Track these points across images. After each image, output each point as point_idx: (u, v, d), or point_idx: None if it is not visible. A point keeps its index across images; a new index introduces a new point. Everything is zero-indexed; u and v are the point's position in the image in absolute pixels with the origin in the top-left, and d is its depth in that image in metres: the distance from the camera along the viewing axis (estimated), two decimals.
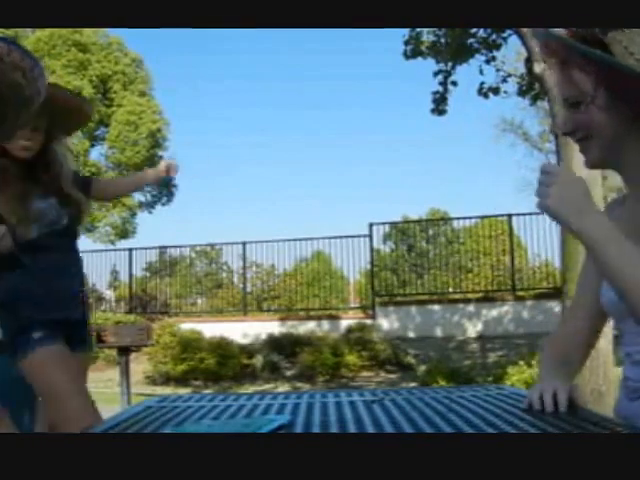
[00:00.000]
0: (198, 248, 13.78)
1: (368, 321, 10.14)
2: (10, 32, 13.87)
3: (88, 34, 14.85)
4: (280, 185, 38.98)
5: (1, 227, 1.83)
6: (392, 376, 8.26)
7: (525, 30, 5.02)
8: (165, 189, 15.96)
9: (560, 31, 1.07)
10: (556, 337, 1.28)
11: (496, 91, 8.04)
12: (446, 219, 15.02)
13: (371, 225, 11.14)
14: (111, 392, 7.62)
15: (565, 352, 1.21)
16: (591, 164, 1.13)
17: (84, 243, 18.86)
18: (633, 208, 1.11)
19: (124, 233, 15.10)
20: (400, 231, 13.67)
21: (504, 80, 8.14)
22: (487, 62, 7.90)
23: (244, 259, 12.12)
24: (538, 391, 1.09)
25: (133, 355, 6.96)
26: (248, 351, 9.27)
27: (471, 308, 10.62)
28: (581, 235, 0.96)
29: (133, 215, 15.54)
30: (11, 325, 1.97)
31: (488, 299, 10.76)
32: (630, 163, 1.09)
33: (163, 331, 9.61)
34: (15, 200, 1.97)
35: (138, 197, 15.78)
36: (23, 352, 1.91)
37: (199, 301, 14.10)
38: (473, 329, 10.43)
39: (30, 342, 1.90)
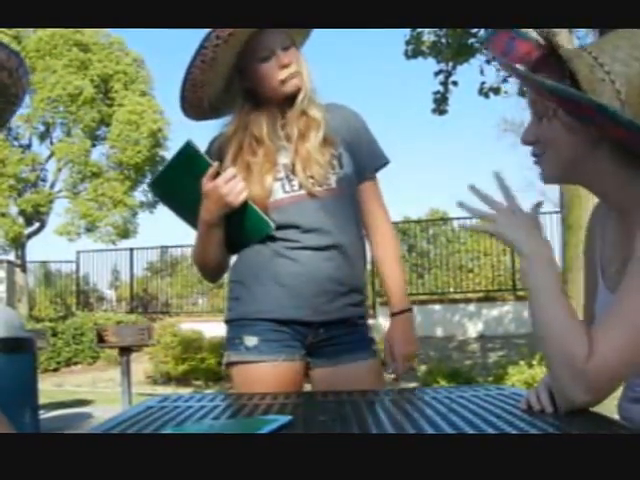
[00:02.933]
0: None
1: (369, 321, 10.12)
2: (12, 32, 13.89)
3: (89, 34, 14.86)
4: None
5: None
6: (393, 376, 8.25)
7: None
8: None
9: (530, 32, 1.06)
10: None
11: (497, 91, 8.05)
12: (446, 219, 15.01)
13: None
14: (112, 392, 7.62)
15: None
16: (545, 179, 1.10)
17: (85, 243, 18.89)
18: (616, 228, 1.09)
19: (125, 233, 15.10)
20: (401, 231, 13.66)
21: (505, 80, 8.15)
22: (488, 62, 7.91)
23: None
24: (535, 390, 1.08)
25: (134, 355, 6.95)
26: None
27: (472, 308, 10.62)
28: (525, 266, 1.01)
29: (134, 215, 15.55)
30: None
31: (489, 299, 10.76)
32: (601, 184, 1.06)
33: (164, 331, 9.61)
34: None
35: (139, 197, 15.81)
36: None
37: (200, 301, 14.11)
38: (474, 329, 10.43)
39: None
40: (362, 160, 1.62)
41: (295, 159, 1.54)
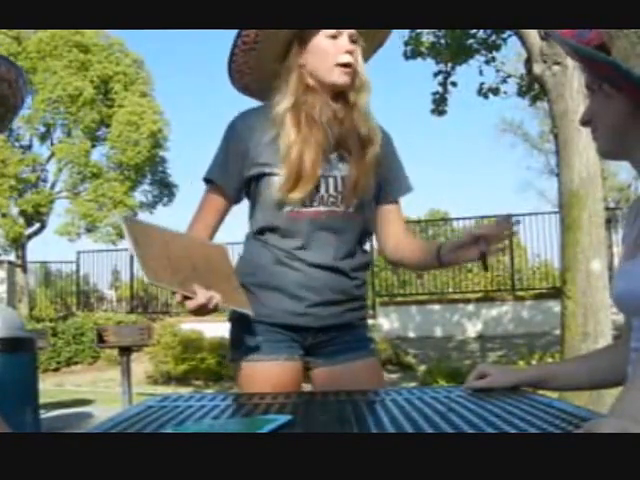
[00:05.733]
0: None
1: (369, 321, 10.12)
2: (12, 33, 13.89)
3: (89, 35, 14.86)
4: None
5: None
6: (392, 376, 8.26)
7: (525, 31, 5.02)
8: (166, 189, 15.99)
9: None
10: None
11: (496, 91, 8.06)
12: (446, 219, 15.02)
13: None
14: (112, 392, 7.63)
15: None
16: (599, 154, 1.15)
17: (85, 243, 18.87)
18: None
19: None
20: None
21: (504, 81, 8.16)
22: (487, 63, 7.92)
23: None
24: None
25: (134, 355, 6.96)
26: None
27: (471, 308, 10.63)
28: None
29: (134, 215, 15.56)
30: None
31: (488, 299, 10.77)
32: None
33: (164, 331, 9.62)
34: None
35: (139, 197, 15.82)
36: None
37: None
38: (473, 329, 10.44)
39: None
40: (389, 185, 1.63)
41: (349, 174, 1.51)
